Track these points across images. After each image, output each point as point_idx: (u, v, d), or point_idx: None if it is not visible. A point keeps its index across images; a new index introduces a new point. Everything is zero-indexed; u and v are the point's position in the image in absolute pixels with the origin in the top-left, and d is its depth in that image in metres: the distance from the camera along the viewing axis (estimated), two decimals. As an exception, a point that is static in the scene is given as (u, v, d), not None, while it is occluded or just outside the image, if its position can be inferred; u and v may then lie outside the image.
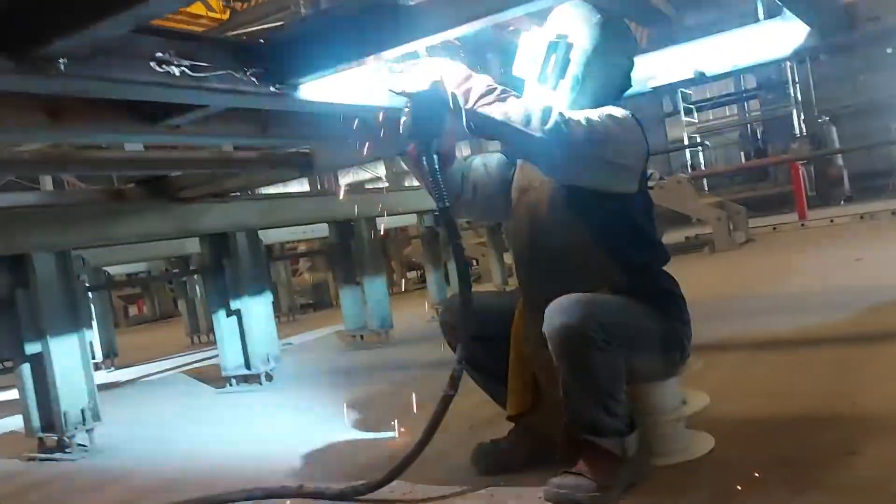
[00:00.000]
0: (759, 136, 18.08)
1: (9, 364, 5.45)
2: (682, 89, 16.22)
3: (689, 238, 9.85)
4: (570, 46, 1.98)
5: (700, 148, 17.55)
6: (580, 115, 1.82)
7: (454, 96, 1.85)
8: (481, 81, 1.86)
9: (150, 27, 1.79)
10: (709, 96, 18.56)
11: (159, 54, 1.78)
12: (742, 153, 18.15)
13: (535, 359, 2.05)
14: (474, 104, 1.82)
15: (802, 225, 10.27)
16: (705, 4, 15.34)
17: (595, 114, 1.86)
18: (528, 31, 2.04)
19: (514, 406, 2.19)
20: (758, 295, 5.04)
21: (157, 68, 1.78)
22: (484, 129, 1.85)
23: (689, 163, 17.29)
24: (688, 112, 17.97)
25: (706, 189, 14.04)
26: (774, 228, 10.05)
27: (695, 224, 10.43)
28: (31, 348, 3.23)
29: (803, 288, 5.03)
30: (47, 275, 3.22)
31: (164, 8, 1.55)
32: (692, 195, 9.25)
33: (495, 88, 1.84)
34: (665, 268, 2.13)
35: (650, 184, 2.13)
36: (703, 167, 17.51)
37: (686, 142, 17.45)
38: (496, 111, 1.79)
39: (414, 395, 2.59)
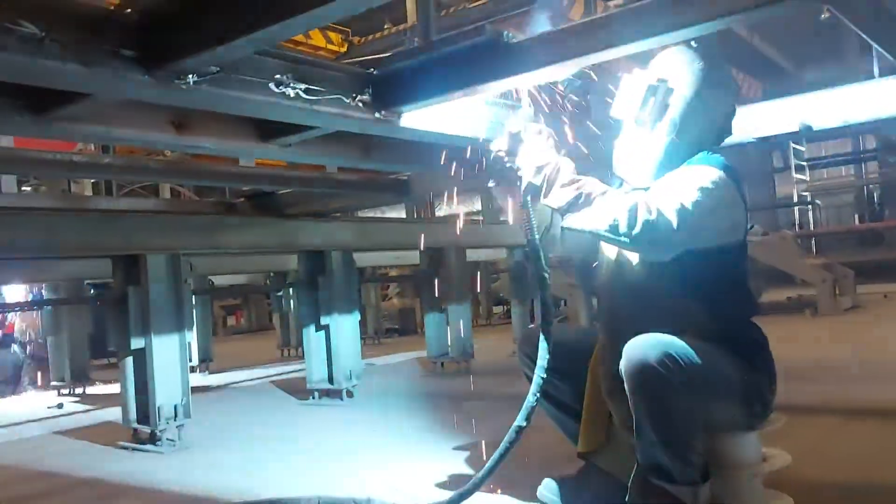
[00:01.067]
0: (876, 199, 17.16)
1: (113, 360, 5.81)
2: (795, 145, 15.64)
3: (790, 298, 9.44)
4: (669, 90, 1.99)
5: (809, 206, 16.81)
6: (669, 199, 1.78)
7: (529, 185, 1.91)
8: (565, 170, 1.89)
9: (273, 51, 1.93)
10: (823, 154, 17.81)
11: (278, 76, 1.92)
12: (856, 216, 17.26)
13: (611, 396, 2.04)
14: (552, 194, 1.87)
15: (917, 295, 9.65)
16: (827, 60, 14.82)
17: (684, 190, 1.82)
18: (629, 72, 2.07)
19: (586, 443, 2.18)
20: (857, 362, 4.78)
21: (275, 89, 1.92)
22: (572, 231, 1.90)
23: (797, 221, 16.58)
24: (799, 169, 17.28)
25: (814, 250, 13.43)
26: (885, 296, 9.48)
27: (798, 284, 9.98)
28: (136, 343, 3.46)
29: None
30: (158, 275, 3.45)
31: (283, 34, 1.67)
32: (797, 254, 8.88)
33: (577, 180, 1.86)
34: (756, 321, 2.09)
35: (749, 228, 2.10)
36: (812, 227, 16.75)
37: (796, 199, 16.76)
38: (582, 220, 1.80)
39: (487, 423, 2.61)
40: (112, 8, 1.65)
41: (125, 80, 1.67)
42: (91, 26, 1.59)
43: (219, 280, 7.97)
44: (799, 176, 17.20)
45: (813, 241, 14.06)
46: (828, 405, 3.40)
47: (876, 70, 2.71)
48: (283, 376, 6.22)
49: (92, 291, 5.85)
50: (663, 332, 1.87)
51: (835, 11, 1.63)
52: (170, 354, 3.49)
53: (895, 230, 13.39)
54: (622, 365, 1.82)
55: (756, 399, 1.99)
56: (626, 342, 1.87)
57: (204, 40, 1.62)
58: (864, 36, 1.89)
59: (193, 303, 6.25)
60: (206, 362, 7.01)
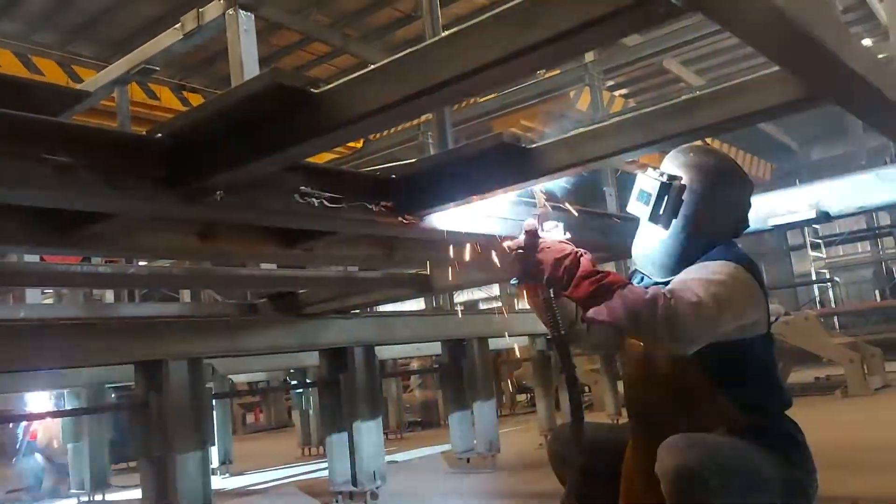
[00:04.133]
0: (895, 274, 17.00)
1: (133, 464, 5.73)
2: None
3: (818, 379, 9.24)
4: (682, 188, 2.03)
5: (829, 284, 16.70)
6: (688, 293, 1.79)
7: (550, 277, 1.92)
8: (585, 262, 1.90)
9: (297, 163, 1.99)
10: (839, 231, 17.80)
11: (303, 187, 1.97)
12: (876, 291, 17.07)
13: (646, 499, 1.98)
14: (573, 285, 1.87)
15: (949, 371, 9.40)
16: (832, 139, 15.05)
17: (702, 284, 1.83)
18: (644, 171, 2.12)
19: (623, 547, 2.11)
20: (895, 447, 4.63)
21: (300, 200, 1.97)
22: (593, 323, 1.92)
23: (817, 298, 16.43)
24: (815, 246, 17.25)
25: (837, 328, 13.23)
26: (916, 374, 9.26)
27: (825, 364, 9.79)
28: (158, 450, 3.42)
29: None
30: (179, 381, 3.44)
31: (307, 154, 1.74)
32: (821, 333, 8.74)
33: (598, 272, 1.87)
34: (790, 411, 2.05)
35: (772, 320, 2.10)
36: (832, 304, 16.56)
37: (814, 277, 16.67)
38: (603, 312, 1.80)
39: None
40: (143, 133, 1.72)
41: (155, 200, 1.72)
42: (122, 152, 1.65)
43: (238, 378, 7.93)
44: (815, 253, 17.16)
45: (836, 319, 13.85)
46: (867, 496, 3.26)
47: (888, 156, 2.75)
48: (306, 476, 6.10)
49: (113, 396, 5.83)
50: (696, 429, 1.85)
51: (844, 108, 1.67)
52: (192, 462, 3.43)
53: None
54: (658, 468, 1.78)
55: (796, 497, 1.94)
56: (660, 440, 1.84)
57: (231, 160, 1.68)
58: (872, 127, 1.93)
59: (213, 405, 6.22)
60: (227, 464, 6.90)
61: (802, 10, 1.19)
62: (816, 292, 16.72)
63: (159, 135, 1.70)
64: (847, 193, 2.71)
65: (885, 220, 17.27)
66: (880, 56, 1.83)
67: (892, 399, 7.51)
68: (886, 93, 1.53)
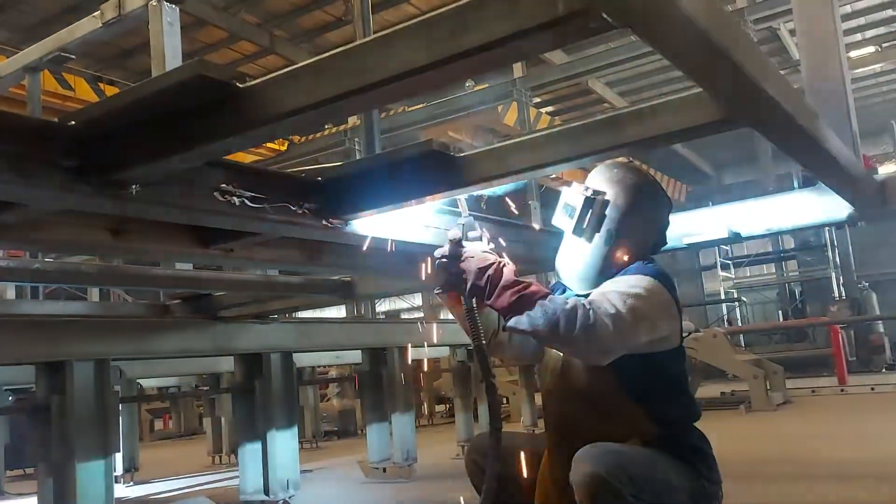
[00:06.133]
0: (797, 296, 17.94)
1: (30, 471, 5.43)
2: (721, 245, 16.34)
3: (724, 394, 9.62)
4: (605, 203, 2.08)
5: (736, 303, 17.46)
6: (606, 305, 1.84)
7: (473, 286, 1.93)
8: (508, 272, 1.91)
9: (218, 160, 1.93)
10: (746, 253, 18.65)
11: (223, 185, 1.91)
12: (780, 312, 17.96)
13: (561, 506, 2.01)
14: (495, 295, 1.88)
15: (842, 390, 9.96)
16: (742, 164, 15.78)
17: (621, 297, 1.88)
18: (569, 185, 2.15)
19: (536, 556, 2.12)
20: (795, 460, 4.85)
21: (220, 198, 1.91)
22: (514, 332, 1.94)
23: (725, 317, 17.15)
24: (724, 267, 18.02)
25: (742, 345, 13.83)
26: (813, 392, 9.76)
27: (730, 379, 10.20)
28: (58, 457, 3.24)
29: (843, 456, 4.84)
30: (84, 383, 3.28)
31: (231, 148, 1.69)
32: (728, 350, 9.11)
33: (520, 282, 1.89)
34: (698, 424, 2.12)
35: (685, 335, 2.16)
36: (739, 323, 17.32)
37: (722, 296, 17.41)
38: (524, 321, 1.83)
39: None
40: (55, 120, 1.63)
41: (65, 190, 1.63)
42: (31, 138, 1.56)
43: (147, 382, 7.62)
44: (725, 274, 17.88)
45: (742, 337, 14.47)
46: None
47: (795, 182, 2.88)
48: (215, 485, 5.91)
49: (10, 398, 5.51)
50: (610, 439, 1.89)
51: (758, 131, 1.74)
52: (94, 469, 3.27)
53: (818, 327, 13.92)
54: (572, 476, 1.81)
55: (704, 505, 2.00)
56: (574, 449, 1.87)
57: (149, 153, 1.61)
58: (783, 152, 2.02)
59: (120, 409, 5.96)
60: (132, 472, 6.62)
61: (725, 34, 1.24)
62: (725, 311, 17.46)
63: (73, 122, 1.62)
64: (756, 216, 2.83)
65: (789, 244, 18.23)
66: (795, 87, 1.92)
67: (793, 414, 7.88)
68: (798, 119, 1.61)
